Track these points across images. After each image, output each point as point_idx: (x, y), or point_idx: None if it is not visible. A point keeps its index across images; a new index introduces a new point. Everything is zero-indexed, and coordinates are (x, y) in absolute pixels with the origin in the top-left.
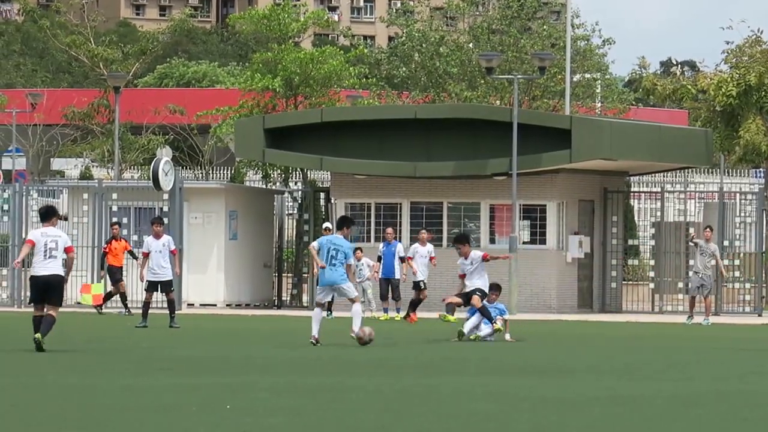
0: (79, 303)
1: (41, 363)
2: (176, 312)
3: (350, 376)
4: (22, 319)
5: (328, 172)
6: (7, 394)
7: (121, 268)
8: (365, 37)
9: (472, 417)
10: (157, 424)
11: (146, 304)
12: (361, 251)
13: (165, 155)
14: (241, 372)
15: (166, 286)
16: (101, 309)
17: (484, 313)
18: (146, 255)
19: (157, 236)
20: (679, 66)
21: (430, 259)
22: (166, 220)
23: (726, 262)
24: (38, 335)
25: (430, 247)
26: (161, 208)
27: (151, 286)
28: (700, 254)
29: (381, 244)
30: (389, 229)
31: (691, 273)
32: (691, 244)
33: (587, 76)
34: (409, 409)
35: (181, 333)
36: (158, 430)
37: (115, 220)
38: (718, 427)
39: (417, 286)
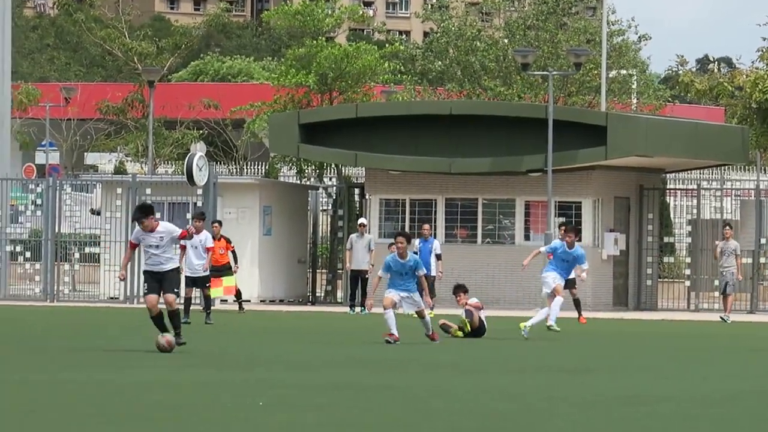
0: (224, 300)
1: (76, 359)
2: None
3: (377, 374)
4: (54, 314)
5: (363, 168)
6: (42, 391)
7: (222, 267)
8: (400, 33)
9: (491, 416)
10: (187, 420)
11: (187, 300)
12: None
13: (199, 150)
14: (271, 368)
15: (203, 282)
16: (242, 308)
17: None
18: (183, 249)
19: (197, 231)
20: (716, 63)
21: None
22: None
23: (762, 260)
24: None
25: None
26: (195, 203)
27: (189, 282)
28: (723, 254)
29: (417, 241)
30: (426, 226)
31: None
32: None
33: (623, 72)
34: (434, 407)
35: (215, 329)
36: (189, 425)
37: (215, 219)
38: (738, 427)
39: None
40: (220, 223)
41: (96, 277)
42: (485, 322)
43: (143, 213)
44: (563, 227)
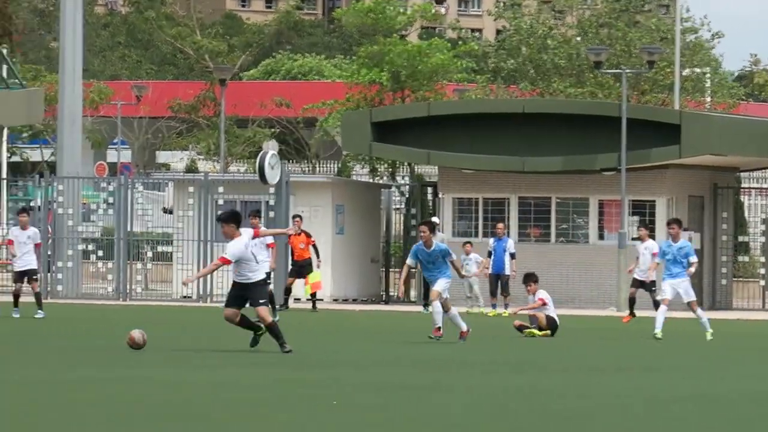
0: (297, 299)
1: (144, 357)
2: (279, 306)
3: (445, 374)
4: (128, 312)
5: (436, 167)
6: (107, 388)
7: (304, 262)
8: (472, 30)
9: (558, 415)
10: (259, 418)
11: (272, 296)
12: (471, 245)
13: (271, 148)
14: (342, 367)
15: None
16: (315, 306)
17: None
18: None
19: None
20: None
21: (653, 255)
22: (272, 214)
23: None
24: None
25: (650, 242)
26: (267, 202)
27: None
28: None
29: (491, 240)
30: (500, 225)
31: None
32: None
33: (697, 70)
34: (498, 407)
35: (285, 328)
36: (261, 424)
37: (296, 213)
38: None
39: (643, 285)
40: (300, 217)
41: (169, 276)
42: (556, 318)
43: (223, 218)
44: (642, 228)
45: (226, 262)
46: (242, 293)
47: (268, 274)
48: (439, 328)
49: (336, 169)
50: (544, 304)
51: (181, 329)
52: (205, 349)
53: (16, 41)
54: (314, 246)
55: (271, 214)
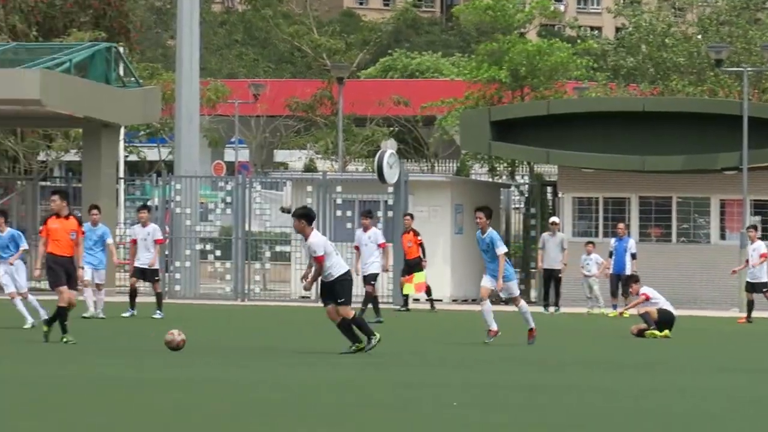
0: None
1: (263, 355)
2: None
3: (552, 373)
4: (246, 312)
5: (555, 166)
6: (244, 387)
7: (413, 261)
8: (592, 28)
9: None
10: (380, 420)
11: (375, 298)
12: (593, 245)
13: (389, 147)
14: (459, 367)
15: (369, 279)
16: (434, 307)
17: None
18: (357, 248)
19: (366, 229)
20: None
21: (761, 257)
22: (390, 213)
23: None
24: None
25: (758, 243)
26: (386, 202)
27: (363, 279)
28: None
29: (612, 240)
30: (621, 225)
31: None
32: None
33: None
34: (623, 407)
35: (403, 328)
36: (383, 426)
37: (407, 212)
38: None
39: (754, 288)
40: (411, 216)
41: (287, 276)
42: (671, 309)
43: (296, 214)
44: (751, 230)
45: (320, 259)
46: (329, 291)
47: (375, 275)
48: (496, 330)
49: (455, 169)
50: (648, 298)
51: (298, 329)
52: (307, 351)
53: (133, 39)
54: (421, 245)
55: (390, 213)
